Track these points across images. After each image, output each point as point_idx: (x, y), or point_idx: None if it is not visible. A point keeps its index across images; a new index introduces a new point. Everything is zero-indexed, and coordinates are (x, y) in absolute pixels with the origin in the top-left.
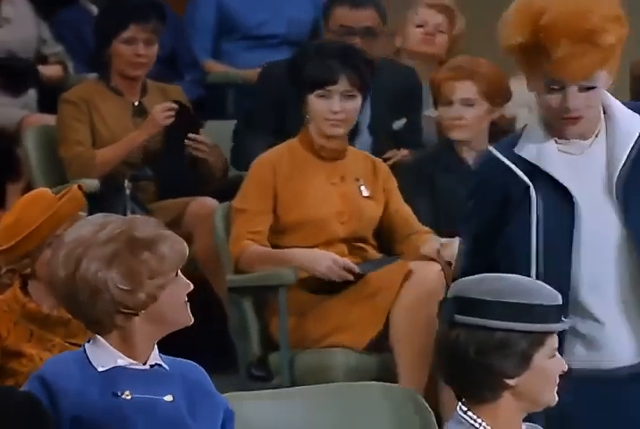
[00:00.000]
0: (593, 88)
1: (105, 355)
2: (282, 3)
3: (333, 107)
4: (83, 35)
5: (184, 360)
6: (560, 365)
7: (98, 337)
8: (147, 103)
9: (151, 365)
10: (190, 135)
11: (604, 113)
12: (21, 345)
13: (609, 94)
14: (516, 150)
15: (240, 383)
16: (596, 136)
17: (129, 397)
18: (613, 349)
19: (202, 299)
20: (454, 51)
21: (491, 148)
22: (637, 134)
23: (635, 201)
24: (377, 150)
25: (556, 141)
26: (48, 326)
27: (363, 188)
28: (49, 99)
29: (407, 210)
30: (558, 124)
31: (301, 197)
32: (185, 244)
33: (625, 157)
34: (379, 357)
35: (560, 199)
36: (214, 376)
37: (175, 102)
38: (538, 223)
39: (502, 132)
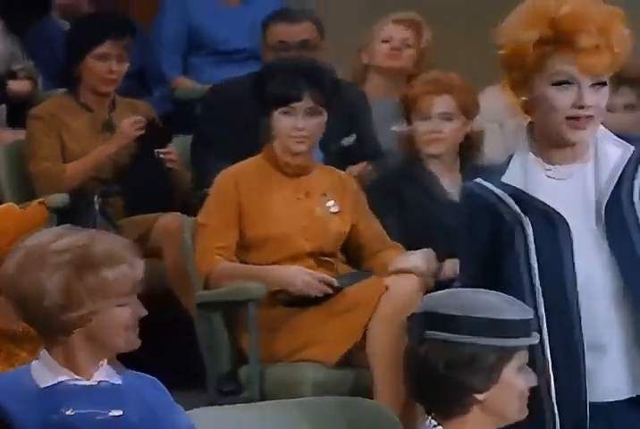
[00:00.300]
0: (604, 84)
1: (47, 371)
2: (248, 18)
3: (297, 124)
4: (55, 50)
5: (144, 375)
6: (528, 379)
7: (44, 353)
8: (117, 118)
9: (98, 381)
10: (162, 149)
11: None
12: None
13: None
14: (504, 179)
15: (208, 399)
16: (584, 161)
17: (71, 413)
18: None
19: (170, 315)
20: (424, 64)
21: (479, 180)
22: (625, 163)
23: (618, 231)
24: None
25: (544, 167)
26: (15, 342)
27: (331, 203)
28: (18, 114)
29: (376, 225)
30: (563, 128)
31: (265, 212)
32: (140, 272)
33: (613, 186)
34: (353, 373)
35: (551, 226)
36: (183, 393)
37: (145, 117)
38: (536, 253)
39: (473, 146)
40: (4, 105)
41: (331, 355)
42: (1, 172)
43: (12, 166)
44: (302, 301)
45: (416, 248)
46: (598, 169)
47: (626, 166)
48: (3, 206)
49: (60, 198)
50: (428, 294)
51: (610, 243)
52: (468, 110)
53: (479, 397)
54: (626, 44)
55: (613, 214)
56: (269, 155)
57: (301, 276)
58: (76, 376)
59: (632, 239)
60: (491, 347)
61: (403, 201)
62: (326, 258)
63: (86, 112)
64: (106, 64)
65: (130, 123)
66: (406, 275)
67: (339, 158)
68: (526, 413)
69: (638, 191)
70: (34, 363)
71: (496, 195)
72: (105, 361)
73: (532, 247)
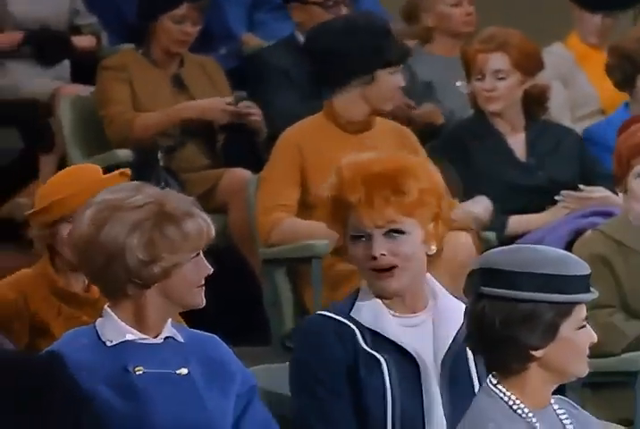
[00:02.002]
0: (400, 232)
1: (113, 329)
2: None
3: (401, 83)
4: (121, 6)
5: (205, 334)
6: (588, 336)
7: (109, 311)
8: (185, 74)
9: (164, 339)
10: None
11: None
12: (49, 321)
13: (433, 278)
14: (352, 314)
15: (272, 355)
16: (426, 311)
17: (140, 372)
18: None
19: (235, 271)
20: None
21: (328, 314)
22: (461, 321)
23: (454, 383)
24: None
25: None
26: (76, 305)
27: None
28: (82, 70)
29: None
30: (372, 279)
31: (329, 170)
32: (212, 227)
33: (450, 342)
34: None
35: (404, 361)
36: (247, 348)
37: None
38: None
39: (536, 102)
40: (68, 61)
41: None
42: (65, 124)
43: (75, 119)
44: None
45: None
46: (436, 321)
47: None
48: (89, 166)
49: (124, 154)
50: (487, 251)
51: (445, 388)
52: (525, 67)
53: (537, 354)
54: (416, 191)
55: (449, 366)
56: (330, 112)
57: None
58: (142, 335)
59: (466, 389)
60: (548, 303)
61: (468, 156)
62: None
63: (155, 67)
64: (182, 27)
65: (222, 104)
66: (460, 232)
67: None
68: (587, 369)
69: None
70: (99, 321)
71: (348, 326)
72: (170, 319)
73: (387, 382)
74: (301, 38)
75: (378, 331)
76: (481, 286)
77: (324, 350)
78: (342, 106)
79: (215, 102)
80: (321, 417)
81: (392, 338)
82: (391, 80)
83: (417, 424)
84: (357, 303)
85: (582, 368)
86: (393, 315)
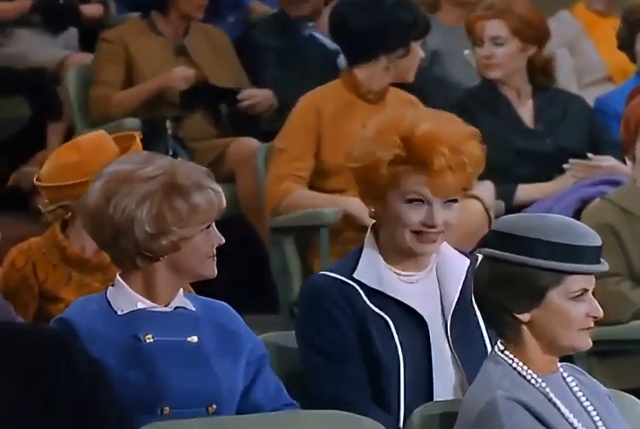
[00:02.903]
0: (455, 201)
1: (124, 298)
2: None
3: (422, 54)
4: None
5: (215, 301)
6: (587, 309)
7: (120, 280)
8: (190, 43)
9: (174, 308)
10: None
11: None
12: (59, 289)
13: None
14: (355, 276)
15: (281, 323)
16: (430, 268)
17: (150, 340)
18: None
19: (244, 240)
20: None
21: (332, 274)
22: (465, 273)
23: (464, 340)
24: None
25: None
26: (87, 271)
27: None
28: (90, 39)
29: None
30: (410, 241)
31: (348, 139)
32: (223, 198)
33: (457, 295)
34: None
35: (411, 321)
36: (256, 316)
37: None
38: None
39: (541, 72)
40: (76, 29)
41: None
42: (71, 92)
43: (82, 88)
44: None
45: (487, 172)
46: (442, 277)
47: (466, 276)
48: (99, 134)
49: (132, 123)
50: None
51: (453, 342)
52: (525, 34)
53: (523, 317)
54: (479, 164)
55: (458, 319)
56: (348, 81)
57: None
58: (153, 303)
59: (475, 346)
60: (538, 268)
61: (476, 124)
62: None
63: (158, 36)
64: None
65: (181, 75)
66: (470, 201)
67: None
68: (587, 344)
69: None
70: (110, 290)
71: (352, 287)
72: (181, 290)
73: (397, 341)
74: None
75: (383, 291)
76: (484, 247)
77: (331, 309)
78: (366, 77)
79: (179, 70)
80: (333, 376)
81: (398, 298)
82: (419, 52)
83: (426, 382)
84: (361, 263)
85: (576, 341)
86: (397, 274)
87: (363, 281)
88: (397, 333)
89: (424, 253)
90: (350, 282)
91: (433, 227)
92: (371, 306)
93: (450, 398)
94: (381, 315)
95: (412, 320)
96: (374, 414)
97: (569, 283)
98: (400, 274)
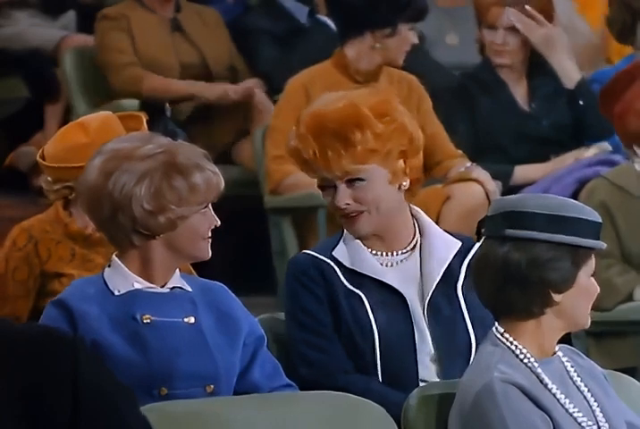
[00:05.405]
0: (360, 180)
1: (121, 278)
2: None
3: (415, 40)
4: None
5: (213, 282)
6: (595, 286)
7: (116, 260)
8: (183, 19)
9: (171, 288)
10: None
11: (420, 232)
12: (62, 266)
13: (423, 213)
14: (334, 254)
15: (279, 304)
16: (411, 250)
17: (148, 320)
18: None
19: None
20: None
21: (312, 253)
22: (451, 256)
23: (441, 321)
24: None
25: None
26: (90, 246)
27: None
28: (88, 21)
29: (441, 133)
30: (345, 224)
31: None
32: (222, 180)
33: (439, 277)
34: None
35: (392, 300)
36: (253, 297)
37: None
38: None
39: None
40: (73, 11)
41: None
42: (70, 74)
43: (80, 69)
44: None
45: (485, 154)
46: (423, 259)
47: (452, 261)
48: (105, 115)
49: (130, 104)
50: (498, 198)
51: (429, 323)
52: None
53: (557, 297)
54: (371, 140)
55: (439, 300)
56: (339, 62)
57: None
58: (150, 284)
59: (454, 327)
60: (570, 246)
61: (474, 106)
62: None
63: (152, 13)
64: None
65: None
66: (470, 183)
67: None
68: (589, 321)
69: (462, 282)
70: (106, 270)
71: (328, 264)
72: (178, 270)
73: (371, 318)
74: None
75: (356, 269)
76: (503, 229)
77: (309, 285)
78: (355, 56)
79: (226, 88)
80: (313, 346)
81: (371, 275)
82: (409, 35)
83: (409, 361)
84: (340, 243)
85: (587, 319)
86: (374, 255)
87: (340, 259)
88: (372, 310)
89: (355, 234)
90: (327, 260)
91: (340, 209)
92: (345, 282)
93: (435, 378)
94: (355, 292)
95: (394, 299)
96: (357, 383)
97: (592, 262)
98: (378, 255)
